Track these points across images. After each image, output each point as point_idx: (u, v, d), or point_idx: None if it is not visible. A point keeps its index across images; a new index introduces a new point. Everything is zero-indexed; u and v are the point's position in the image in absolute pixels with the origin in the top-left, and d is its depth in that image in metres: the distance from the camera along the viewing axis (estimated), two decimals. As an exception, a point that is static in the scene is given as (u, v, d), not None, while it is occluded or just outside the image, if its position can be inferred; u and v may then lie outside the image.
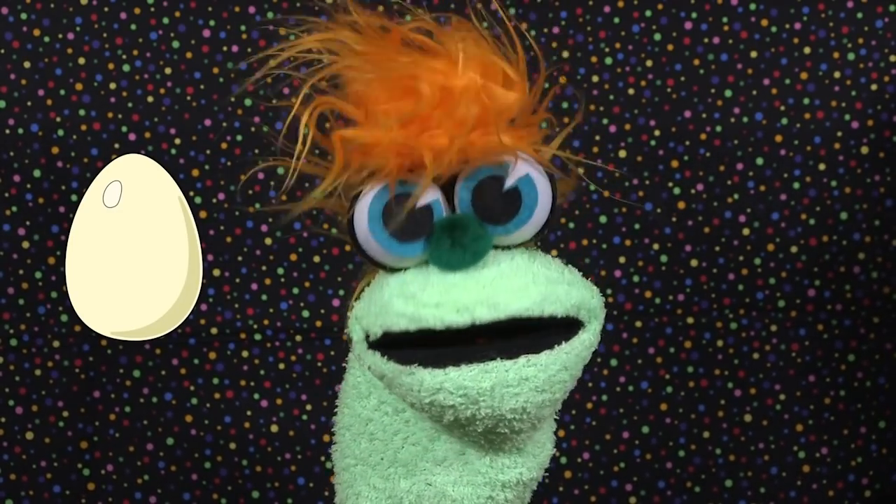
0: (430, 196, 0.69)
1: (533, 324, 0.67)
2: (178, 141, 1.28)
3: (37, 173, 1.28)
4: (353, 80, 0.70)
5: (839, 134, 1.27)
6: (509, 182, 0.69)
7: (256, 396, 1.32)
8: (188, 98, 1.28)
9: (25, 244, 1.29)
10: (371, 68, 0.69)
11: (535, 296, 0.67)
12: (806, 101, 1.27)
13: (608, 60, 1.28)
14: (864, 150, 1.28)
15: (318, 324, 1.31)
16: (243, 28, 1.27)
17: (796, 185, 1.29)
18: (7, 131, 1.27)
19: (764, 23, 1.27)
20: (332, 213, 0.76)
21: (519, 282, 0.67)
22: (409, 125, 0.68)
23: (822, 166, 1.28)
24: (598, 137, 1.28)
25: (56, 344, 1.30)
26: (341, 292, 1.31)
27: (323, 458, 1.32)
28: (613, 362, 1.32)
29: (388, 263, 0.71)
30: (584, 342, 0.70)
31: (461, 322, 0.66)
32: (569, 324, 0.69)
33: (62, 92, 1.27)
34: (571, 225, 1.30)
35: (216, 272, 1.30)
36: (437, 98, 0.68)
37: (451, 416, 0.68)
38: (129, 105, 1.28)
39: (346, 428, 0.79)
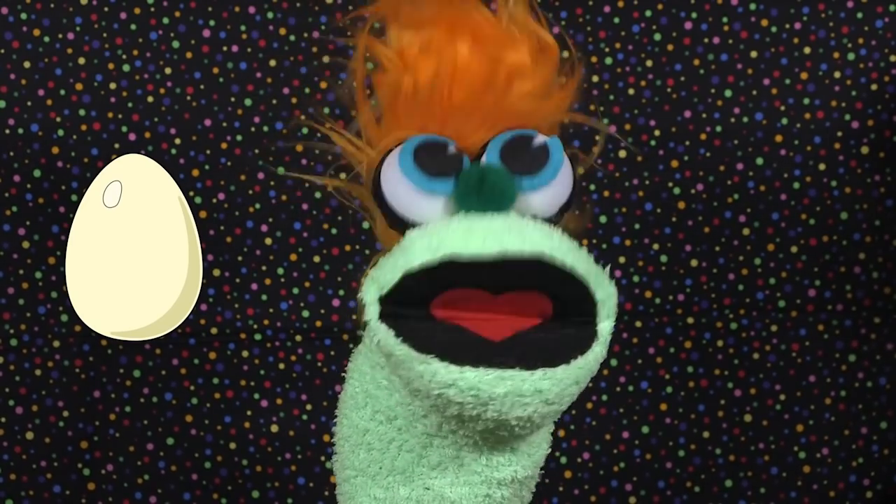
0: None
1: (555, 277, 0.66)
2: (178, 141, 1.28)
3: (37, 173, 1.28)
4: (396, 27, 0.70)
5: (839, 134, 1.27)
6: (539, 139, 0.69)
7: (256, 396, 1.32)
8: (188, 98, 1.28)
9: (25, 244, 1.29)
10: (417, 10, 0.70)
11: (560, 242, 0.67)
12: (806, 101, 1.27)
13: (608, 60, 1.28)
14: (865, 150, 1.28)
15: (318, 324, 1.31)
16: (243, 28, 1.27)
17: (796, 185, 1.28)
18: (7, 131, 1.27)
19: (764, 23, 1.27)
20: (340, 203, 0.76)
21: (546, 229, 0.67)
22: (446, 77, 0.68)
23: (822, 166, 1.28)
24: (597, 137, 1.28)
25: (56, 344, 1.30)
26: (341, 292, 1.30)
27: (323, 458, 1.32)
28: (613, 362, 1.31)
29: (411, 212, 0.69)
30: (598, 355, 0.69)
31: (488, 252, 0.65)
32: (582, 310, 0.68)
33: (62, 92, 1.27)
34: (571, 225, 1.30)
35: (216, 272, 1.30)
36: (479, 43, 0.68)
37: (455, 410, 0.68)
38: (129, 105, 1.28)
39: (344, 439, 0.78)
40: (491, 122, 0.70)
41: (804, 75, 1.27)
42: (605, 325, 0.70)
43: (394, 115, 0.71)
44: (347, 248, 1.30)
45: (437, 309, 0.67)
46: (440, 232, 0.66)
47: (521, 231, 0.65)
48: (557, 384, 0.67)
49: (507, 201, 0.68)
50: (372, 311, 0.68)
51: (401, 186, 0.69)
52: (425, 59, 0.68)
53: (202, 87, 1.28)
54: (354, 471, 0.77)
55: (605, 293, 0.69)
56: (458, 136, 0.70)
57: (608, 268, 0.71)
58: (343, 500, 0.79)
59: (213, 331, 1.31)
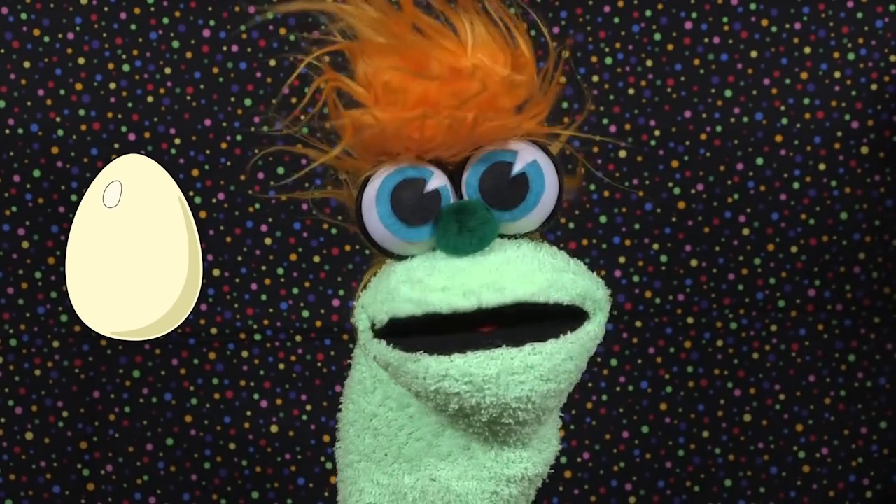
0: (438, 182, 0.70)
1: (538, 310, 0.68)
2: (178, 141, 1.28)
3: (37, 173, 1.28)
4: (363, 61, 0.70)
5: (839, 134, 1.27)
6: (517, 167, 0.69)
7: (256, 396, 1.32)
8: (188, 98, 1.28)
9: (25, 244, 1.29)
10: (383, 46, 0.69)
11: (541, 282, 0.67)
12: (806, 101, 1.27)
13: (608, 60, 1.28)
14: (864, 150, 1.28)
15: (318, 324, 1.31)
16: (243, 28, 1.27)
17: (796, 185, 1.29)
18: (7, 131, 1.27)
19: (764, 23, 1.27)
20: (340, 202, 0.76)
21: (525, 268, 0.68)
22: (418, 106, 0.68)
23: (822, 166, 1.28)
24: (598, 137, 1.28)
25: (56, 344, 1.30)
26: (341, 292, 1.30)
27: (323, 458, 1.32)
28: (613, 362, 1.32)
29: (395, 250, 0.71)
30: (590, 333, 0.70)
31: (467, 306, 0.67)
32: (574, 315, 0.69)
33: (62, 92, 1.27)
34: (571, 225, 1.30)
35: (216, 272, 1.30)
36: (447, 78, 0.68)
37: (455, 404, 0.68)
38: (129, 105, 1.28)
39: (350, 423, 0.79)
40: (468, 146, 0.70)
41: (804, 75, 1.27)
42: (599, 317, 0.71)
43: (365, 147, 0.71)
44: (347, 248, 1.30)
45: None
46: (422, 283, 0.68)
47: (500, 281, 0.67)
48: (549, 358, 0.67)
49: (487, 242, 0.69)
50: (365, 336, 0.71)
51: (382, 232, 0.70)
52: (393, 99, 0.68)
53: (202, 87, 1.28)
54: (358, 455, 0.77)
55: (594, 301, 0.70)
56: (434, 155, 0.70)
57: (600, 274, 0.72)
58: (344, 485, 0.79)
59: (213, 331, 1.31)
